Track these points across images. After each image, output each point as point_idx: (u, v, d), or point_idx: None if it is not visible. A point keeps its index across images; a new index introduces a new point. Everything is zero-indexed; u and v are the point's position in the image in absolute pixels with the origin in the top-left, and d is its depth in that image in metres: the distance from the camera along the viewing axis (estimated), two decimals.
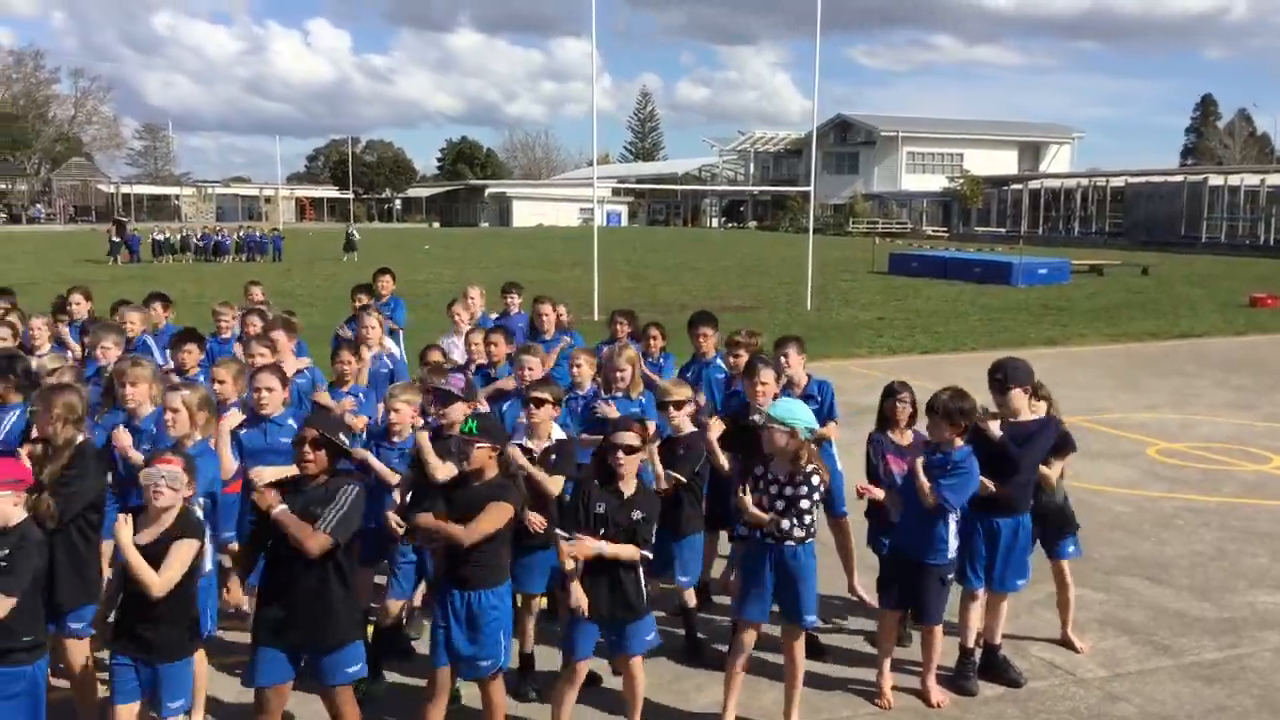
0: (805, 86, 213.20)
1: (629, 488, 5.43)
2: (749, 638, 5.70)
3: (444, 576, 5.26)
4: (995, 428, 6.15)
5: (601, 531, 5.32)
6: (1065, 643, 6.81)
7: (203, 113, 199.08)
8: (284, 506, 4.84)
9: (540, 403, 6.21)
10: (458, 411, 6.05)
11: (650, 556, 5.45)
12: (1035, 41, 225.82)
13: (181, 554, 4.75)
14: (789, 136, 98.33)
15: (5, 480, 4.61)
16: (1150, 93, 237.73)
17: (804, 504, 5.49)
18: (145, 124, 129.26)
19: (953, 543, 5.95)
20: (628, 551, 5.32)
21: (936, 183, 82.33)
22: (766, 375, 6.70)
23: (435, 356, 7.99)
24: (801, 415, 5.59)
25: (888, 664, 6.14)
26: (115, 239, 46.81)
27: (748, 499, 5.53)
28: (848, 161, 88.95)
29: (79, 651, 5.35)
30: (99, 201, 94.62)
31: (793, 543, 5.51)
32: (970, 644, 6.33)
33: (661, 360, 8.53)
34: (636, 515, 5.38)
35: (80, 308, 9.97)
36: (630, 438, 5.39)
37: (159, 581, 4.67)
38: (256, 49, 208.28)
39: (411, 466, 6.05)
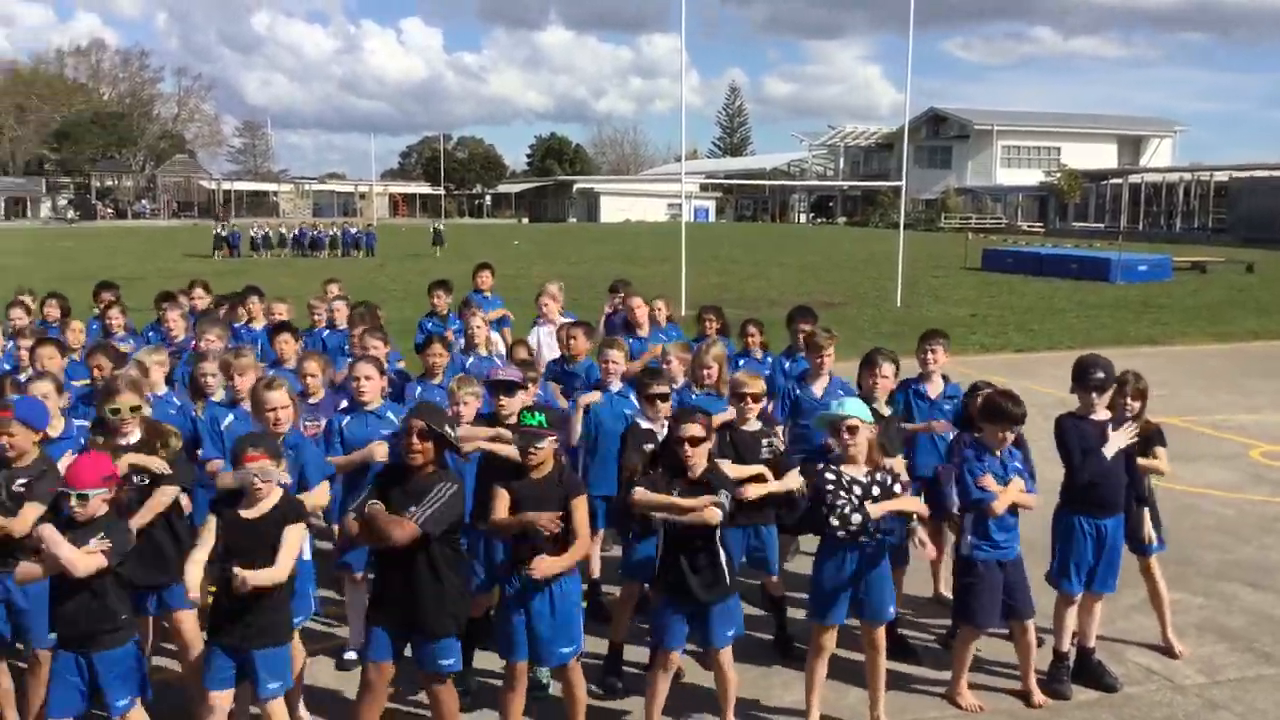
0: (895, 80, 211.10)
1: (695, 475, 5.40)
2: (830, 640, 5.66)
3: (515, 567, 5.26)
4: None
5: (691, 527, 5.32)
6: (1163, 648, 6.65)
7: (300, 110, 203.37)
8: (376, 501, 4.95)
9: (665, 398, 6.34)
10: (517, 402, 6.06)
11: (725, 510, 5.32)
12: (1136, 33, 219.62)
13: (292, 541, 4.90)
14: (880, 131, 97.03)
15: (105, 476, 4.80)
16: (1255, 86, 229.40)
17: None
18: (245, 122, 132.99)
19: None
20: (705, 501, 5.25)
21: (1033, 177, 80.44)
22: (887, 369, 6.59)
23: (521, 353, 7.93)
24: (866, 411, 5.61)
25: (965, 672, 6.06)
26: (221, 234, 48.30)
27: (871, 507, 5.42)
28: (940, 156, 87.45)
29: (189, 625, 5.56)
30: (201, 198, 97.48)
31: (871, 540, 5.46)
32: (1064, 647, 6.21)
33: (766, 358, 8.49)
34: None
35: (201, 300, 10.30)
36: (695, 429, 5.37)
37: (273, 574, 4.81)
38: (352, 48, 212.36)
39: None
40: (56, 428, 5.92)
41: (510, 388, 6.12)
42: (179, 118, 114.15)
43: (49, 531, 4.64)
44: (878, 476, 5.53)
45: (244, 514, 4.91)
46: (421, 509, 4.87)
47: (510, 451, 5.63)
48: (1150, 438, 6.46)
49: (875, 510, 5.38)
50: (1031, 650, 6.04)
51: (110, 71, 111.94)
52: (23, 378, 7.45)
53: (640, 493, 5.40)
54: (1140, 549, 6.59)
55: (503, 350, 9.31)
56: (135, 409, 5.58)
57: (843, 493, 5.42)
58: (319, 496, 5.78)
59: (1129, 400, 6.36)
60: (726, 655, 5.48)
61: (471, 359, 8.38)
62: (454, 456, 5.47)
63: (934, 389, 7.18)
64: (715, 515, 5.23)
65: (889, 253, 32.06)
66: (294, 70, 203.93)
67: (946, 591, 7.37)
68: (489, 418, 6.19)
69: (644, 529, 6.02)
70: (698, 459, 5.38)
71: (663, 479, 5.41)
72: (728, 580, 5.38)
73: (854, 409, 5.61)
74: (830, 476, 5.48)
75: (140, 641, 5.03)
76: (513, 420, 5.96)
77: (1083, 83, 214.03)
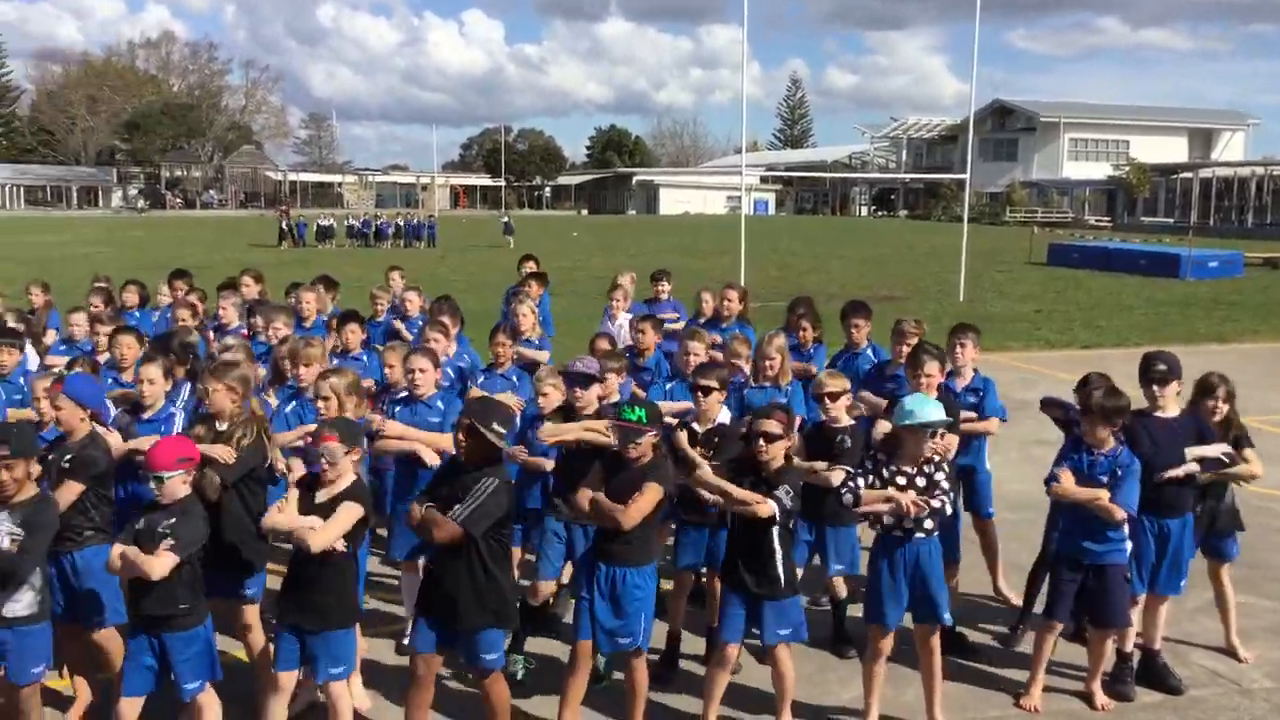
0: (959, 71, 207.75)
1: (772, 473, 5.40)
2: (888, 644, 5.61)
3: (592, 550, 5.37)
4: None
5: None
6: (1229, 651, 6.52)
7: (364, 102, 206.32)
8: (429, 502, 5.00)
9: (708, 390, 6.28)
10: (591, 395, 6.12)
11: (783, 507, 5.31)
12: (1207, 25, 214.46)
13: (342, 516, 4.95)
14: (943, 123, 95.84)
15: (181, 459, 4.92)
16: None
17: (944, 483, 5.43)
18: (310, 114, 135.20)
19: (1127, 542, 5.82)
20: (755, 497, 5.27)
21: (1100, 170, 78.93)
22: (931, 367, 6.50)
23: (604, 345, 7.80)
24: (938, 412, 5.56)
25: (1042, 672, 5.98)
26: (285, 225, 49.09)
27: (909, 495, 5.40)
28: (1005, 148, 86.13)
29: (252, 616, 5.67)
30: (267, 188, 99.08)
31: (923, 534, 5.44)
32: (1128, 648, 6.12)
33: (812, 350, 8.44)
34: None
35: (250, 289, 10.38)
36: (773, 425, 5.37)
37: (317, 538, 4.87)
38: (414, 40, 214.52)
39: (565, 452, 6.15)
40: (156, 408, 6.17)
41: (585, 380, 6.15)
42: (246, 109, 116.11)
43: (126, 553, 4.79)
44: (925, 469, 5.49)
45: (316, 496, 5.01)
46: (464, 507, 4.87)
47: (601, 440, 5.76)
48: (1239, 439, 6.30)
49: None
50: (1103, 655, 5.96)
51: (180, 63, 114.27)
52: (101, 359, 7.69)
53: (704, 472, 5.47)
54: (1216, 554, 6.48)
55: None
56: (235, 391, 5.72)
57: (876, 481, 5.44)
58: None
59: (1219, 404, 6.22)
60: (782, 653, 5.46)
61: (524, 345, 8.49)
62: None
63: (962, 382, 7.08)
64: (767, 509, 5.23)
65: (952, 246, 31.69)
66: (358, 62, 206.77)
67: (1005, 588, 7.31)
68: (564, 410, 6.21)
69: (696, 519, 6.08)
70: (773, 455, 5.36)
71: (727, 469, 5.44)
72: (783, 580, 5.35)
73: (935, 414, 5.52)
74: (886, 475, 5.45)
75: (212, 626, 5.12)
76: (588, 413, 6.06)
77: (1151, 75, 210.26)
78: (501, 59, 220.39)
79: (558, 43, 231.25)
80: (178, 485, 4.90)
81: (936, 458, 5.54)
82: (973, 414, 6.86)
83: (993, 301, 26.41)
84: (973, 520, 7.24)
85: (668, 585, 6.34)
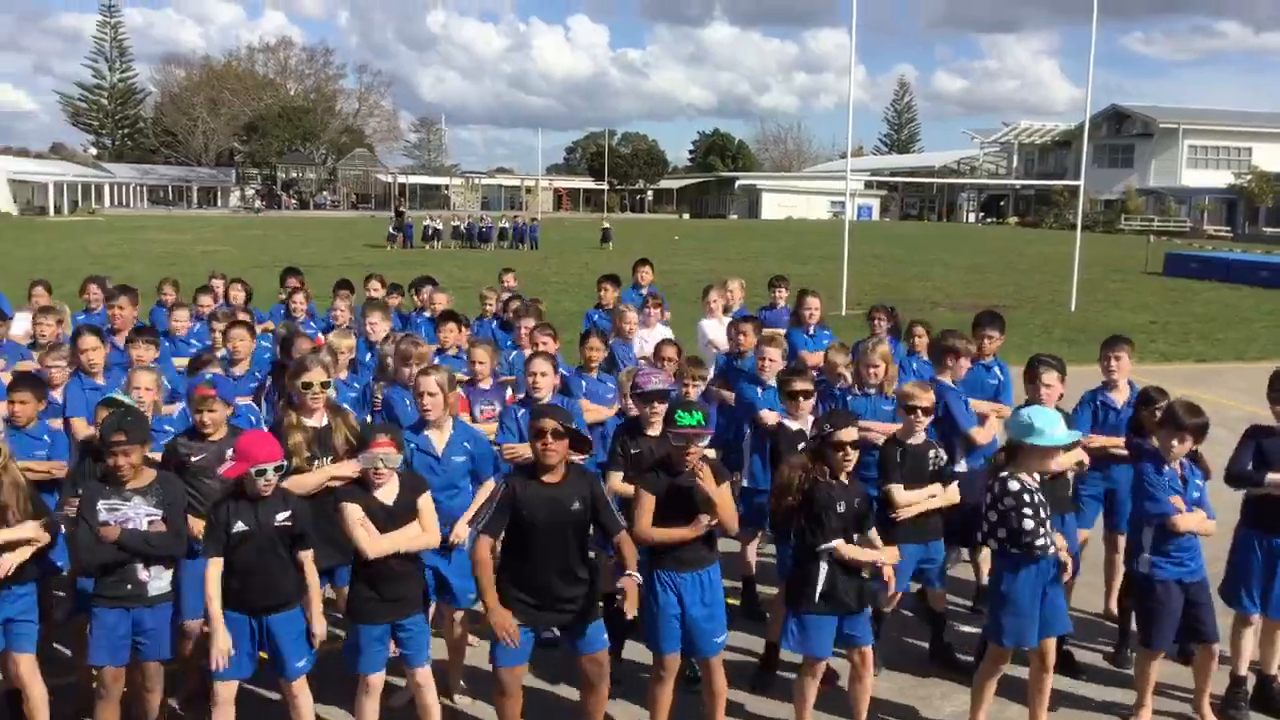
0: (1072, 75, 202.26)
1: (848, 480, 5.38)
2: (1007, 661, 5.50)
3: (662, 561, 5.29)
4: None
5: (846, 531, 5.32)
6: None
7: (471, 107, 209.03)
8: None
9: (808, 394, 6.28)
10: (665, 408, 6.01)
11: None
12: None
13: (428, 507, 5.21)
14: (1056, 128, 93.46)
15: (272, 455, 5.00)
16: None
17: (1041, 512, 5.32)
18: (420, 118, 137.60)
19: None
20: (891, 554, 5.46)
21: (1221, 179, 76.00)
22: (1050, 377, 6.32)
23: (669, 352, 7.66)
24: (1067, 434, 5.44)
25: (1149, 694, 5.81)
26: (395, 228, 50.21)
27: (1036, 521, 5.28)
28: (1121, 154, 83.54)
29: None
30: (378, 190, 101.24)
31: (1053, 552, 5.32)
32: (1242, 671, 5.92)
33: (914, 364, 8.18)
34: (855, 503, 5.36)
35: (377, 294, 10.57)
36: (851, 434, 5.30)
37: (426, 538, 5.11)
38: (521, 45, 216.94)
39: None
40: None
41: (661, 396, 6.02)
42: (359, 113, 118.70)
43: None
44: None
45: (379, 498, 5.12)
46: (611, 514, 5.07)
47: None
48: None
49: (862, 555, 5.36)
50: (1209, 674, 5.77)
51: (297, 68, 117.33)
52: (219, 354, 7.97)
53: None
54: None
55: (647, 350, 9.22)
56: (325, 385, 5.87)
57: (1028, 510, 5.23)
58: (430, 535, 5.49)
59: None
60: (868, 653, 5.43)
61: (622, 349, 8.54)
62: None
63: (1120, 396, 6.91)
64: (893, 558, 5.43)
65: (1064, 255, 30.93)
66: (466, 67, 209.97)
67: (1115, 608, 7.11)
68: (631, 426, 6.16)
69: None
70: (851, 464, 5.33)
71: (823, 487, 5.35)
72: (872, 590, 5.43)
73: (1067, 435, 5.40)
74: (1014, 486, 5.27)
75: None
76: (658, 429, 5.93)
77: (1276, 80, 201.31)
78: (605, 63, 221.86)
79: (661, 47, 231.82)
80: (275, 478, 5.04)
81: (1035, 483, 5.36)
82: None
83: (1106, 312, 25.68)
84: (1104, 536, 7.09)
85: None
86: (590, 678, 5.22)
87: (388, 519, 5.11)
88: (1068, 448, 5.58)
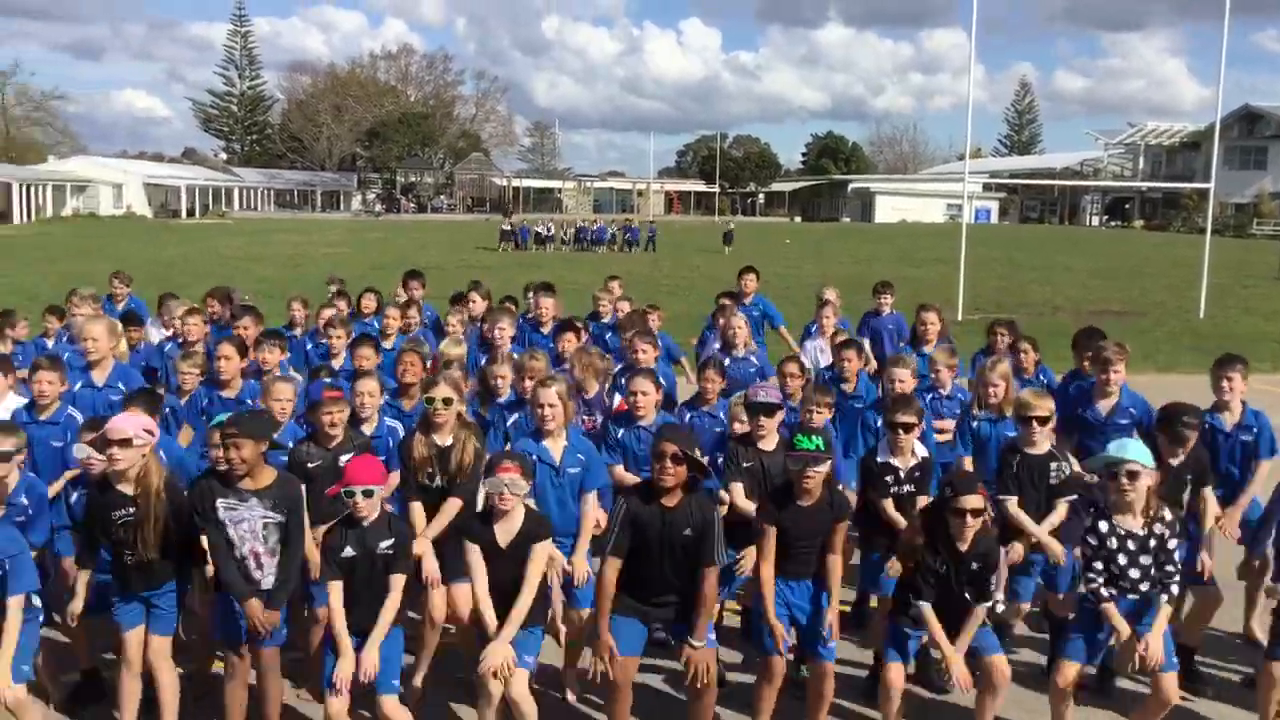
0: (1200, 74, 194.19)
1: (966, 546, 5.20)
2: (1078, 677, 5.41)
3: (779, 571, 5.29)
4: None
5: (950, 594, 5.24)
6: None
7: (584, 111, 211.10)
8: None
9: (909, 428, 5.98)
10: (774, 423, 5.96)
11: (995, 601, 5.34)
12: None
13: (543, 556, 5.21)
14: (1184, 129, 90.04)
15: (363, 478, 5.08)
16: None
17: (1176, 554, 5.22)
18: (535, 122, 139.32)
19: None
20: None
21: None
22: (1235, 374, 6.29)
23: (792, 368, 7.46)
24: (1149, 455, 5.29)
25: (1272, 711, 5.56)
26: (508, 229, 51.10)
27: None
28: (1255, 156, 79.96)
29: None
30: (493, 194, 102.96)
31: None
32: None
33: (1040, 376, 8.01)
34: (974, 567, 5.22)
35: (477, 306, 10.60)
36: (975, 501, 5.13)
37: (526, 598, 5.13)
38: (633, 49, 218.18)
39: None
40: (372, 424, 6.37)
41: (770, 409, 5.97)
42: (476, 118, 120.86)
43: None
44: (1155, 529, 5.23)
45: (498, 539, 5.14)
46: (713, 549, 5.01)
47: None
48: None
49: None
50: None
51: (417, 74, 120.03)
52: (336, 365, 8.14)
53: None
54: None
55: (758, 350, 9.13)
56: (448, 402, 5.88)
57: (1100, 559, 5.19)
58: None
59: None
60: (998, 666, 5.30)
61: (729, 360, 8.22)
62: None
63: (1231, 419, 6.56)
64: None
65: (1192, 260, 29.80)
66: (579, 72, 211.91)
67: (1257, 629, 6.81)
68: (743, 439, 6.10)
69: (886, 544, 5.93)
70: (973, 531, 5.16)
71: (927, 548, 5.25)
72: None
73: (1135, 452, 5.26)
74: (1103, 529, 5.21)
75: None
76: (768, 443, 5.89)
77: None
78: (718, 66, 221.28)
79: (774, 49, 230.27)
80: (378, 502, 5.15)
81: (1167, 517, 5.24)
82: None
83: (1237, 319, 24.64)
84: (1245, 555, 6.85)
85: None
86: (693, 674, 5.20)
87: (497, 558, 5.14)
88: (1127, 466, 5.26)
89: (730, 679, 6.10)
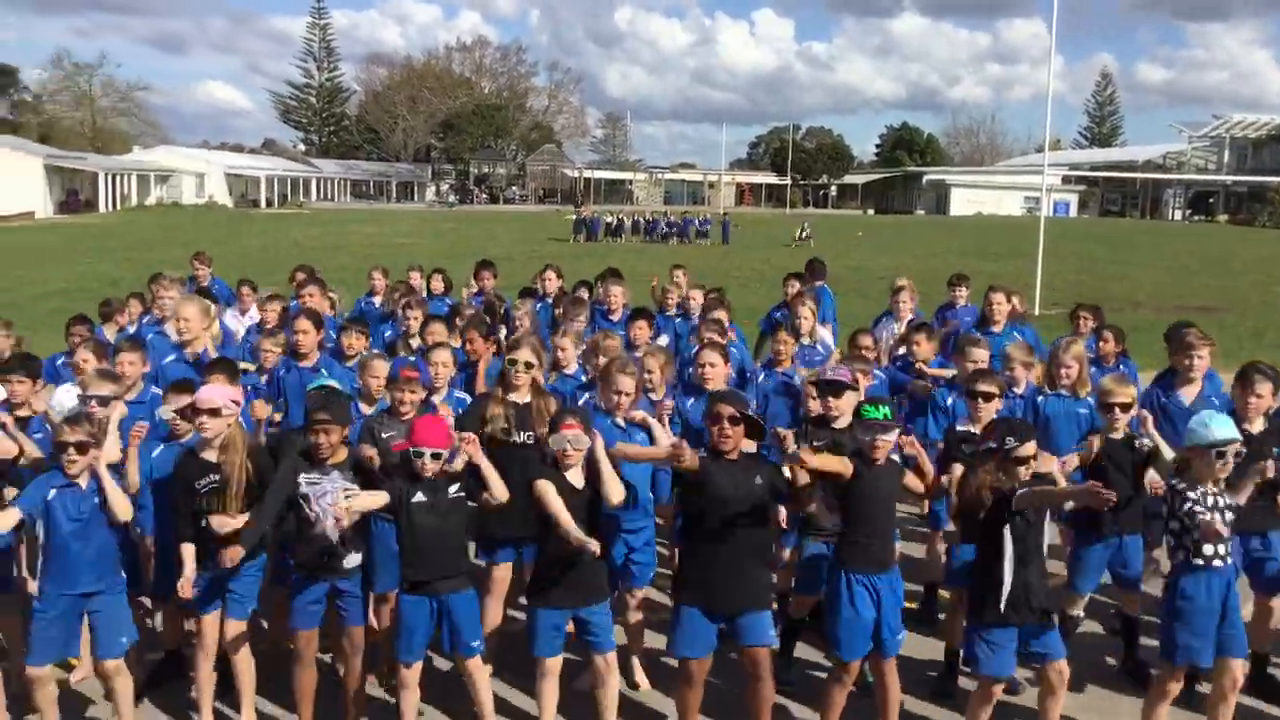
0: None
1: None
2: (1178, 685, 5.28)
3: (862, 559, 5.25)
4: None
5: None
6: None
7: (656, 102, 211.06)
8: None
9: (989, 397, 6.04)
10: (846, 403, 5.95)
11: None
12: None
13: (606, 460, 5.24)
14: (1272, 121, 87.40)
15: (432, 441, 5.17)
16: None
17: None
18: (607, 114, 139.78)
19: None
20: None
21: None
22: (1263, 388, 6.00)
23: (866, 341, 7.71)
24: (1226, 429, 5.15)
25: None
26: (578, 217, 51.43)
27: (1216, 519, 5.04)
28: None
29: None
30: (564, 185, 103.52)
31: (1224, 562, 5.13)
32: None
33: (1121, 367, 7.88)
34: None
35: (551, 284, 10.84)
36: (1032, 448, 5.06)
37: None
38: (705, 40, 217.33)
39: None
40: (442, 394, 6.57)
41: (839, 388, 6.00)
42: (549, 110, 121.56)
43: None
44: (1225, 499, 5.16)
45: (570, 479, 5.23)
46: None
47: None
48: None
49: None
50: None
51: (491, 66, 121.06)
52: (414, 344, 8.34)
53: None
54: None
55: (828, 339, 9.19)
56: (529, 366, 5.99)
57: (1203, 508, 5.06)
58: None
59: None
60: (1064, 672, 5.23)
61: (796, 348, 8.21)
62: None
63: None
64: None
65: (1278, 255, 28.89)
66: (651, 63, 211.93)
67: None
68: (818, 420, 6.13)
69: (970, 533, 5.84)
70: (1028, 474, 5.10)
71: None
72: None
73: (1225, 432, 5.14)
74: (1193, 496, 5.11)
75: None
76: (841, 422, 5.90)
77: None
78: (790, 57, 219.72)
79: (847, 39, 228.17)
80: (441, 465, 5.23)
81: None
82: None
83: None
84: None
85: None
86: (752, 671, 5.22)
87: (576, 500, 5.24)
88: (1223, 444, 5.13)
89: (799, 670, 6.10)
